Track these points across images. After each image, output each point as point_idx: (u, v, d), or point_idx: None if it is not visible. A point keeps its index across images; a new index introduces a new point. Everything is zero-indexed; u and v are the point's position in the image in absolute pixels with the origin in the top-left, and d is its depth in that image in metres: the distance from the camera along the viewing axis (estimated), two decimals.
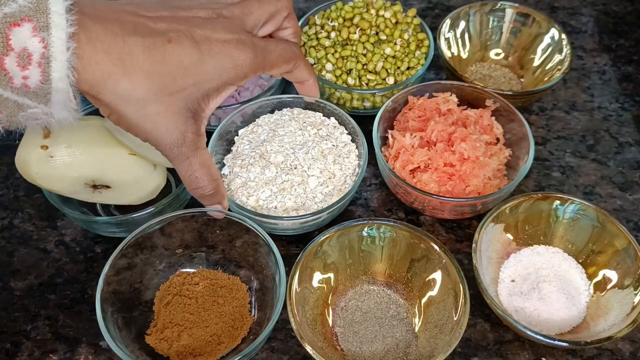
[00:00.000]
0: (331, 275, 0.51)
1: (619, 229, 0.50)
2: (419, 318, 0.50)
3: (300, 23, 0.68)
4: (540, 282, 0.51)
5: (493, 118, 0.60)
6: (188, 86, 0.39)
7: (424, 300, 0.50)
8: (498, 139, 0.60)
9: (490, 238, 0.51)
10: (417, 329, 0.50)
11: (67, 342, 0.51)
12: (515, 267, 0.53)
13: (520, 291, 0.51)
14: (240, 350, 0.48)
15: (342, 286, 0.52)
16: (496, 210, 0.51)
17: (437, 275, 0.50)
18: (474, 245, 0.49)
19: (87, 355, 0.50)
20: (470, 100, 0.61)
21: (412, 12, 0.67)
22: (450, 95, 0.61)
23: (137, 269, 0.51)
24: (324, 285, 0.51)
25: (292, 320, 0.45)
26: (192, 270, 0.53)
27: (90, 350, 0.50)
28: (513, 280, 0.52)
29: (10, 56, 0.32)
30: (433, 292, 0.50)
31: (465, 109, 0.60)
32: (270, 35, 0.48)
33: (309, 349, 0.44)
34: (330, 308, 0.51)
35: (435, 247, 0.49)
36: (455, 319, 0.46)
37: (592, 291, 0.51)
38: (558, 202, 0.52)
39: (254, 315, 0.51)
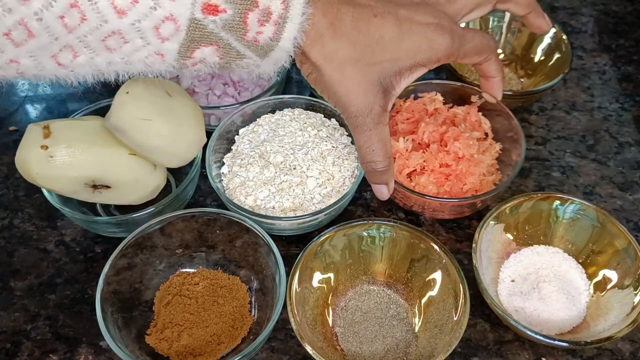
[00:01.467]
0: (331, 275, 0.51)
1: (619, 229, 0.50)
2: (419, 318, 0.50)
3: None
4: (540, 282, 0.51)
5: (480, 114, 0.60)
6: (384, 60, 0.41)
7: (424, 300, 0.50)
8: (487, 134, 0.60)
9: (490, 238, 0.51)
10: (417, 329, 0.50)
11: (67, 342, 0.51)
12: (515, 267, 0.53)
13: (520, 291, 0.51)
14: (240, 350, 0.48)
15: (342, 286, 0.52)
16: (496, 210, 0.51)
17: (437, 275, 0.50)
18: (474, 245, 0.49)
19: (87, 355, 0.50)
20: (455, 98, 0.62)
21: None
22: (435, 95, 0.61)
23: (137, 269, 0.51)
24: (324, 285, 0.51)
25: (292, 320, 0.45)
26: (192, 270, 0.53)
27: (90, 350, 0.50)
28: (513, 280, 0.52)
29: (254, 12, 0.35)
30: (433, 292, 0.50)
31: (452, 107, 0.61)
32: None
33: (309, 349, 0.44)
34: (330, 308, 0.51)
35: (435, 247, 0.49)
36: (455, 319, 0.46)
37: (592, 291, 0.51)
38: (558, 202, 0.52)
39: (254, 315, 0.51)
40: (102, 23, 0.31)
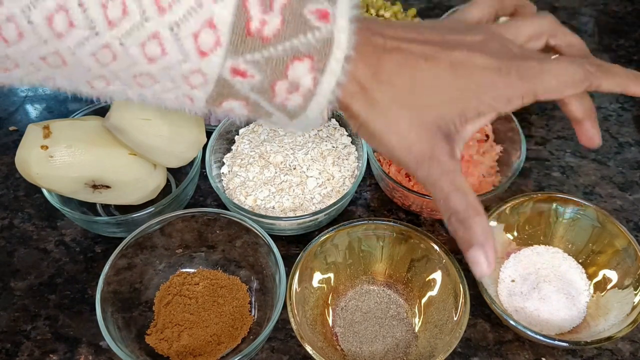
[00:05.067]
0: (331, 275, 0.51)
1: (619, 229, 0.50)
2: (419, 318, 0.50)
3: None
4: (541, 282, 0.51)
5: None
6: (439, 103, 0.37)
7: (424, 300, 0.50)
8: (487, 136, 0.60)
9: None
10: (417, 329, 0.50)
11: (67, 342, 0.51)
12: (515, 267, 0.53)
13: (520, 291, 0.51)
14: (240, 350, 0.48)
15: (342, 286, 0.52)
16: (496, 210, 0.51)
17: (437, 275, 0.50)
18: None
19: (87, 355, 0.50)
20: None
21: (412, 12, 0.67)
22: None
23: (137, 269, 0.51)
24: (324, 285, 0.51)
25: (292, 320, 0.45)
26: (192, 270, 0.53)
27: (90, 351, 0.50)
28: (513, 280, 0.52)
29: (283, 82, 0.34)
30: (433, 292, 0.50)
31: None
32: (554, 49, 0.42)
33: (309, 349, 0.44)
34: (330, 308, 0.51)
35: (435, 247, 0.49)
36: (455, 319, 0.46)
37: (592, 291, 0.51)
38: (558, 202, 0.52)
39: (254, 315, 0.51)
40: (132, 65, 0.32)
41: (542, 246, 0.54)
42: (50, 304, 0.53)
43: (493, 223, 0.51)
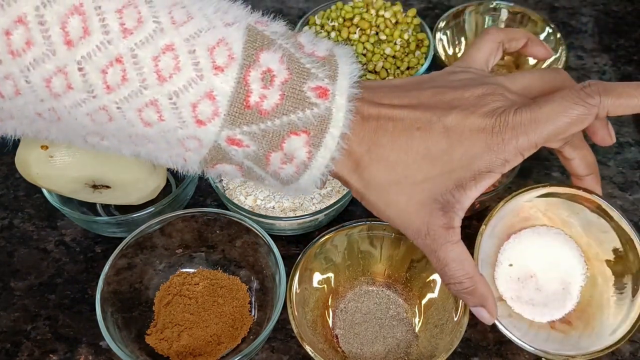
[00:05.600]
0: (331, 275, 0.51)
1: (618, 223, 0.50)
2: (419, 318, 0.50)
3: (300, 23, 0.68)
4: (537, 268, 0.50)
5: None
6: (435, 176, 0.37)
7: (424, 301, 0.50)
8: None
9: (504, 214, 0.49)
10: (417, 329, 0.50)
11: (67, 342, 0.51)
12: (514, 248, 0.51)
13: (517, 277, 0.51)
14: (240, 350, 0.48)
15: (342, 287, 0.52)
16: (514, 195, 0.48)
17: (438, 276, 0.49)
18: (483, 226, 0.47)
19: (87, 355, 0.50)
20: None
21: (412, 12, 0.67)
22: None
23: (137, 269, 0.51)
24: (323, 286, 0.51)
25: (292, 322, 0.45)
26: (192, 270, 0.53)
27: (90, 351, 0.50)
28: (511, 265, 0.51)
29: (278, 153, 0.34)
30: (433, 294, 0.50)
31: None
32: None
33: (309, 349, 0.44)
34: (330, 310, 0.51)
35: None
36: (455, 319, 0.46)
37: (588, 275, 0.51)
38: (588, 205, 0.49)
39: (254, 316, 0.51)
40: (128, 127, 0.32)
41: (544, 227, 0.53)
42: (50, 304, 0.53)
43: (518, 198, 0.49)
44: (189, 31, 0.31)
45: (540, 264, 0.51)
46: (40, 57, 0.29)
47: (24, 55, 0.29)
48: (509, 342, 0.50)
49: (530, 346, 0.45)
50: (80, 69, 0.29)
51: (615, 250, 0.50)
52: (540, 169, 0.63)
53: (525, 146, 0.36)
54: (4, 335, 0.51)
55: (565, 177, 0.62)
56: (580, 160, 0.43)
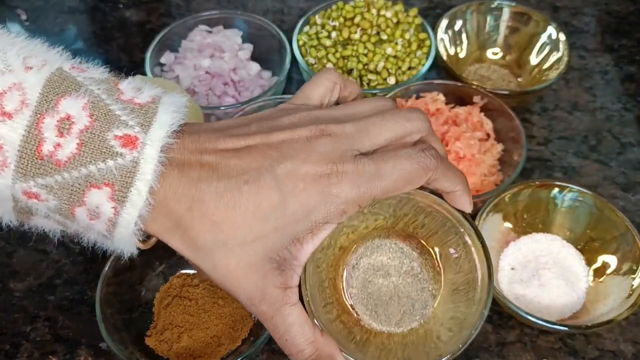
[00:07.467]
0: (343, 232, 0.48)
1: (617, 215, 0.50)
2: (437, 277, 0.47)
3: (300, 23, 0.68)
4: (540, 269, 0.51)
5: (482, 114, 0.60)
6: (268, 233, 0.33)
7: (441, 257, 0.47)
8: (488, 135, 0.60)
9: (490, 227, 0.52)
10: (433, 289, 0.46)
11: (67, 344, 0.51)
12: (514, 255, 0.53)
13: (520, 279, 0.51)
14: (240, 351, 0.48)
15: (354, 244, 0.48)
16: (495, 199, 0.52)
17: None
18: None
19: (86, 356, 0.50)
20: (456, 98, 0.61)
21: (414, 11, 0.67)
22: (437, 95, 0.61)
23: (137, 270, 0.51)
24: (335, 247, 0.48)
25: (303, 292, 0.41)
26: (192, 271, 0.53)
27: (89, 352, 0.50)
28: (513, 268, 0.52)
29: (82, 208, 0.31)
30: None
31: (454, 107, 0.60)
32: None
33: (317, 323, 0.41)
34: (342, 268, 0.48)
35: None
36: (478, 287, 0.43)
37: (591, 277, 0.51)
38: (557, 189, 0.53)
39: (254, 317, 0.51)
40: None
41: (541, 234, 0.54)
42: (50, 305, 0.53)
43: (492, 212, 0.51)
44: None
45: (542, 264, 0.52)
46: None
47: None
48: (511, 343, 0.50)
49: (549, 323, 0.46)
50: None
51: None
52: (542, 169, 0.62)
53: (365, 198, 0.34)
54: (3, 337, 0.51)
55: (567, 177, 0.62)
56: (443, 180, 0.38)
